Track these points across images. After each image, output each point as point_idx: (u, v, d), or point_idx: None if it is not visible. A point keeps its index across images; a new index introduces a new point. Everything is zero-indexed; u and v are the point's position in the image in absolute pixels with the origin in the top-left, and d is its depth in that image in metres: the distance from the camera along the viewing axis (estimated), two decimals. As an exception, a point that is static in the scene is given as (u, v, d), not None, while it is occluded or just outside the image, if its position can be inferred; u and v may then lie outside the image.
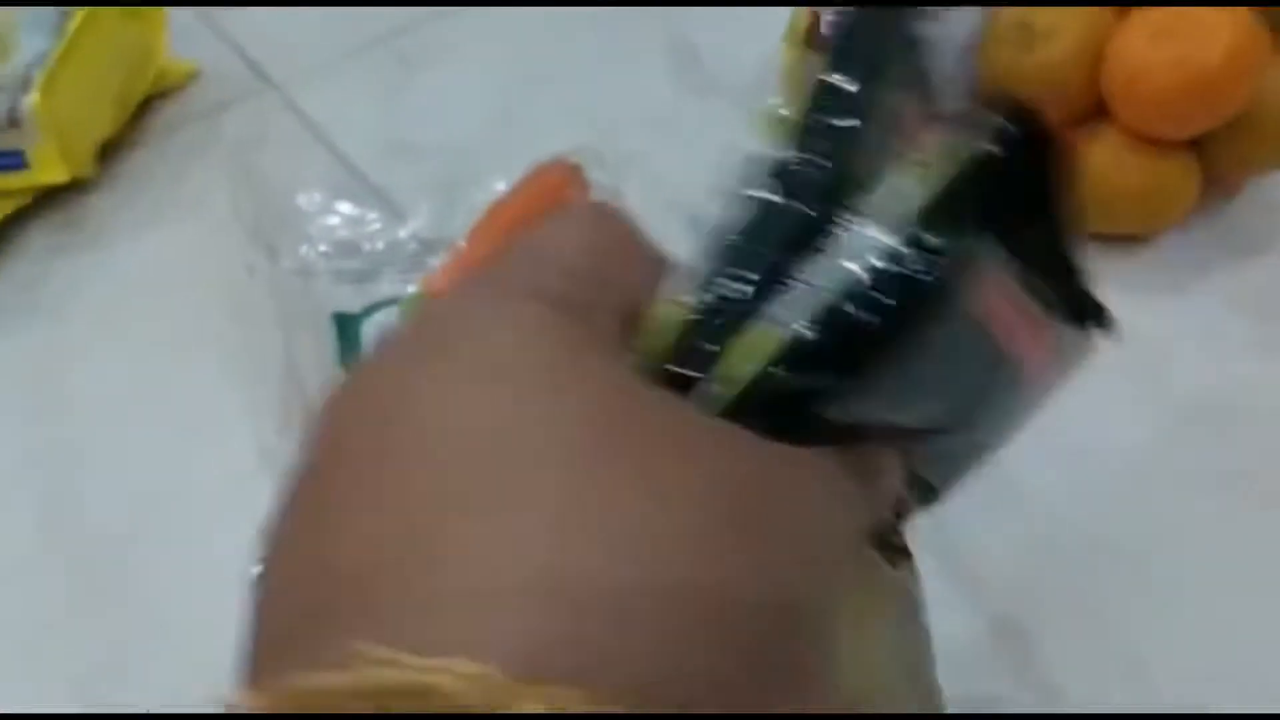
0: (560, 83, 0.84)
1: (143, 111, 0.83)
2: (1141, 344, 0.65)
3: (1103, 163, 0.65)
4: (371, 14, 0.91)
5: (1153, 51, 0.62)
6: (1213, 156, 0.66)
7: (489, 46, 0.88)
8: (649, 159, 0.77)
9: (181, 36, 0.88)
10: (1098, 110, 0.66)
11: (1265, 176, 0.69)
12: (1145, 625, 0.55)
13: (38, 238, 0.76)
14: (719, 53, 0.85)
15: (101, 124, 0.79)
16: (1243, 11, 0.61)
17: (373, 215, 0.69)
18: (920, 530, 0.58)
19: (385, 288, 0.65)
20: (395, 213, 0.74)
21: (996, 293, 0.29)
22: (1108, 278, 0.68)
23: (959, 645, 0.55)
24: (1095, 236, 0.70)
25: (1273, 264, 0.69)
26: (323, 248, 0.66)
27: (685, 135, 0.79)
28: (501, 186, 0.69)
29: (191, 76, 0.86)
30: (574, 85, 0.84)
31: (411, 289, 0.64)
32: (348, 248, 0.67)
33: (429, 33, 0.90)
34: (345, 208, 0.69)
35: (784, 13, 0.75)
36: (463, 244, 0.65)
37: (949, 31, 0.68)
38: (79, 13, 0.77)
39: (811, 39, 0.65)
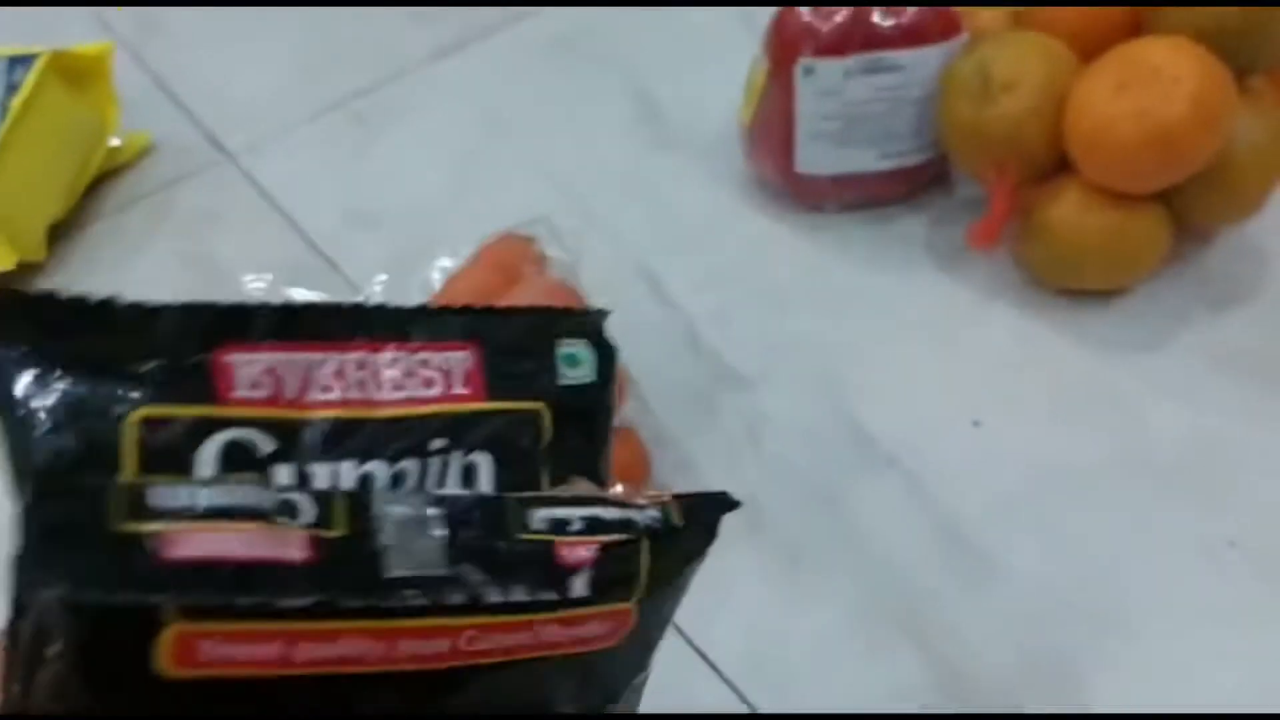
0: (521, 140, 0.82)
1: (96, 187, 0.82)
2: (1118, 403, 0.64)
3: (1068, 218, 0.63)
4: (331, 76, 0.89)
5: (1114, 104, 0.60)
6: (1182, 208, 0.64)
7: (448, 106, 0.86)
8: (612, 219, 0.76)
9: (136, 107, 0.86)
10: (1062, 163, 0.64)
11: (1238, 224, 0.67)
12: (1131, 700, 0.53)
13: (-14, 324, 0.74)
14: (681, 107, 0.83)
15: (51, 206, 0.77)
16: (1208, 59, 0.59)
17: (323, 298, 0.67)
18: (900, 615, 0.56)
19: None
20: (349, 287, 0.72)
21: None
22: (1080, 333, 0.67)
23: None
24: (1065, 292, 0.68)
25: (1249, 315, 0.67)
26: (269, 336, 0.64)
27: (648, 193, 0.77)
28: (449, 263, 0.67)
29: (146, 150, 0.85)
30: (535, 143, 0.82)
31: (361, 376, 0.62)
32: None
33: (388, 94, 0.88)
34: (294, 292, 0.67)
35: (745, 66, 0.74)
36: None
37: (908, 81, 0.67)
38: (24, 90, 0.75)
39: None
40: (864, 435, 0.63)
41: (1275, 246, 0.70)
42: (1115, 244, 0.63)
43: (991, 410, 0.64)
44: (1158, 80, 0.59)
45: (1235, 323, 0.67)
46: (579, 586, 0.29)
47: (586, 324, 0.39)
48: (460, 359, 0.37)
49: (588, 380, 0.39)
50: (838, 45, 0.67)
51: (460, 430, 0.36)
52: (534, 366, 0.37)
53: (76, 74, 0.81)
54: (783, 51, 0.68)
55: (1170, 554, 0.58)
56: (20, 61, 0.77)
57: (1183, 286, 0.68)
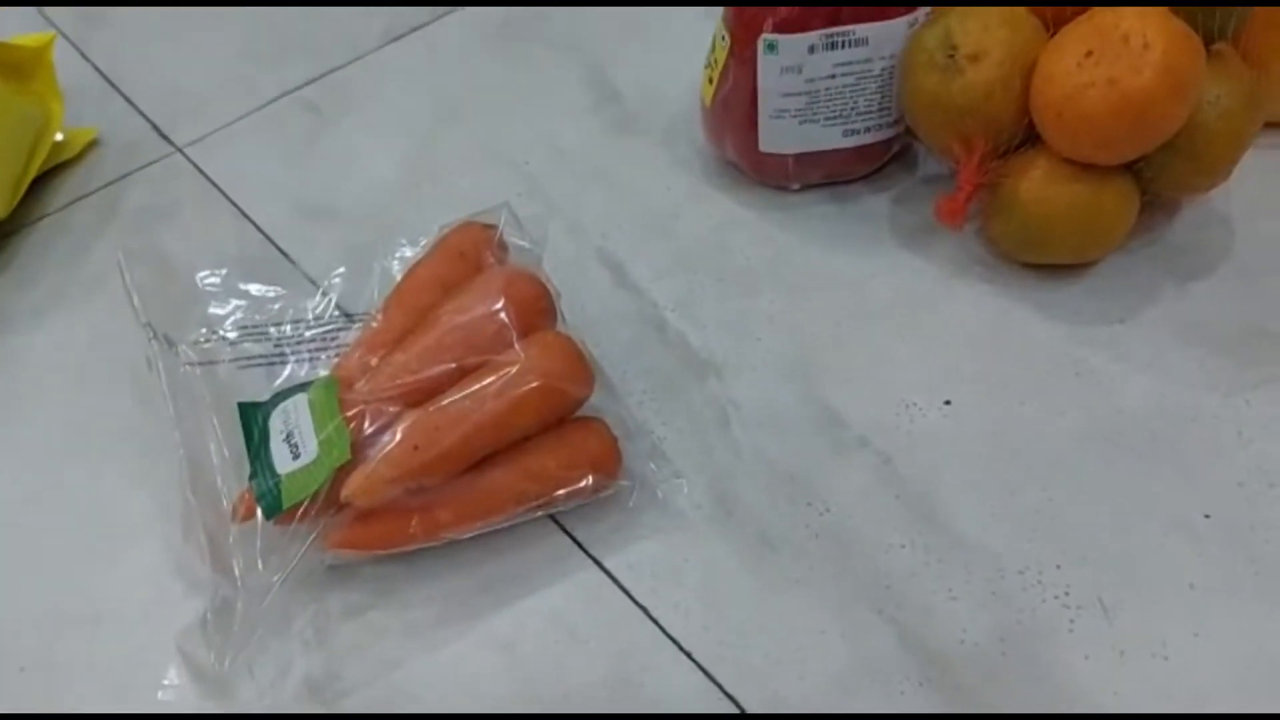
0: (477, 125, 0.81)
1: (41, 184, 0.79)
2: (1088, 377, 0.63)
3: (1035, 191, 0.63)
4: (280, 63, 0.87)
5: (1082, 73, 0.59)
6: (1151, 178, 0.63)
7: (402, 92, 0.84)
8: (572, 205, 0.74)
9: (80, 101, 0.84)
10: (1029, 135, 0.63)
11: (1206, 192, 0.67)
12: (1108, 678, 0.52)
13: (-67, 325, 0.72)
14: (639, 88, 0.82)
15: (-5, 204, 0.75)
16: (1177, 25, 0.58)
17: (280, 291, 0.65)
18: (875, 597, 0.55)
19: (294, 371, 0.62)
20: (306, 280, 0.70)
21: None
22: (1049, 308, 0.66)
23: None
24: (1032, 266, 0.67)
25: (1216, 285, 0.66)
26: (225, 332, 0.63)
27: (609, 178, 0.76)
28: (409, 252, 0.65)
29: (92, 144, 0.82)
30: (491, 128, 0.80)
31: (322, 372, 0.61)
32: (252, 331, 0.63)
33: (339, 80, 0.86)
34: (251, 287, 0.65)
35: (702, 45, 0.72)
36: (377, 317, 0.62)
37: (872, 55, 0.66)
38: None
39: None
40: (834, 417, 0.62)
41: (1240, 215, 0.69)
42: (1083, 216, 0.63)
43: (962, 388, 0.63)
44: (1126, 48, 0.58)
45: (1203, 293, 0.66)
46: None
47: None
48: None
49: None
50: (800, 20, 0.65)
51: None
52: None
53: (17, 67, 0.78)
54: (744, 27, 0.67)
55: (1146, 528, 0.57)
56: (-42, 55, 0.75)
57: (1150, 258, 0.68)
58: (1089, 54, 0.59)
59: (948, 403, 0.62)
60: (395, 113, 0.83)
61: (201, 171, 0.80)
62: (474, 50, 0.87)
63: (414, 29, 0.89)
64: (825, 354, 0.65)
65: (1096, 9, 0.60)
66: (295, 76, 0.86)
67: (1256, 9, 0.63)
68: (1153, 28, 0.58)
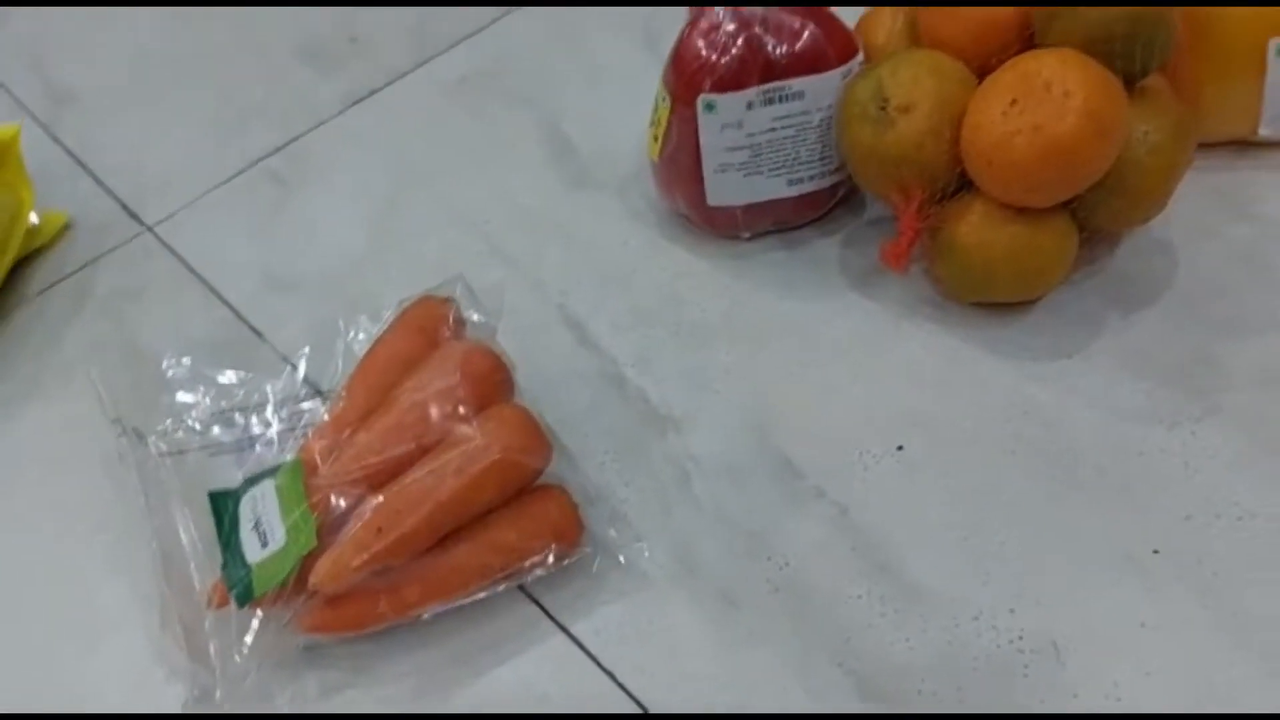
0: (436, 187, 0.82)
1: (17, 270, 0.81)
2: (1037, 414, 0.64)
3: (974, 235, 0.64)
4: (243, 134, 0.88)
5: (1008, 121, 0.60)
6: (1087, 215, 0.64)
7: (363, 156, 0.86)
8: (532, 265, 0.76)
9: (51, 183, 0.85)
10: (965, 180, 0.64)
11: (1143, 224, 0.68)
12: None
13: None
14: (593, 142, 0.83)
15: (-31, 297, 0.77)
16: (1097, 70, 0.60)
17: (246, 375, 0.67)
18: (835, 650, 0.57)
19: (263, 454, 0.63)
20: (275, 357, 0.72)
21: None
22: (997, 345, 0.67)
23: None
24: (980, 304, 0.68)
25: (1160, 313, 0.68)
26: (192, 421, 0.64)
27: (567, 234, 0.77)
28: (371, 327, 0.67)
29: (65, 228, 0.84)
30: (450, 189, 0.82)
31: (289, 455, 0.62)
32: (220, 417, 0.65)
33: (302, 148, 0.87)
34: (218, 373, 0.67)
35: (652, 94, 0.73)
36: (341, 396, 0.63)
37: (810, 107, 0.67)
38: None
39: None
40: (791, 469, 0.63)
41: (1180, 240, 0.71)
42: (1023, 257, 0.64)
43: (914, 431, 0.64)
44: (1048, 95, 0.59)
45: (1147, 321, 0.67)
46: None
47: None
48: None
49: None
50: (736, 78, 0.67)
51: None
52: None
53: (-15, 159, 0.80)
54: (683, 88, 0.68)
55: (1096, 566, 0.58)
56: (-76, 152, 0.76)
57: (1094, 289, 0.69)
58: (1014, 102, 0.60)
59: (900, 448, 0.64)
60: (357, 178, 0.84)
61: (171, 250, 0.81)
62: (432, 110, 0.88)
63: (373, 92, 0.91)
64: (781, 403, 0.66)
65: (1019, 57, 0.61)
66: (258, 147, 0.88)
67: (1185, 39, 0.64)
68: (1073, 75, 0.59)
